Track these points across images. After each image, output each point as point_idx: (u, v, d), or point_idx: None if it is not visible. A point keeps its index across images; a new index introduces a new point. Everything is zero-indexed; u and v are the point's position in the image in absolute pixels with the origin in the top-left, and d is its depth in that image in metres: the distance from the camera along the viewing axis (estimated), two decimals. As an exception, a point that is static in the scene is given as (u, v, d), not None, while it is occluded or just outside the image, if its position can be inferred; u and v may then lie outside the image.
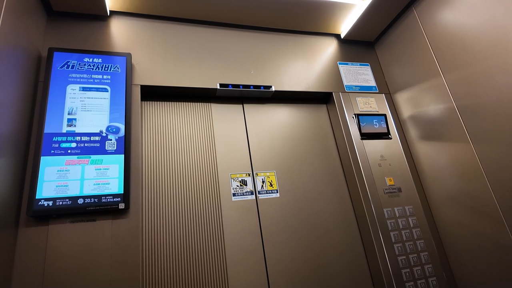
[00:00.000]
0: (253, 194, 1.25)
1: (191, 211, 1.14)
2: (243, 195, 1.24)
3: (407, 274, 1.16)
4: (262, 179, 1.29)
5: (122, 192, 0.99)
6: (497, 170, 1.05)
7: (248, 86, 1.34)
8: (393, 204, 1.28)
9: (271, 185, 1.29)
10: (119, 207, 0.97)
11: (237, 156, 1.30)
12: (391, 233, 1.22)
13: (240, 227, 1.18)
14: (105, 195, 0.97)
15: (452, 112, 1.21)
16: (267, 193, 1.27)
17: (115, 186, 0.99)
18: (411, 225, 1.25)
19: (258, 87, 1.36)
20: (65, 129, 1.02)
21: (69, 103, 1.06)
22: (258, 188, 1.27)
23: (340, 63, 1.56)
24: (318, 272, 1.18)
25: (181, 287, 1.03)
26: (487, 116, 1.08)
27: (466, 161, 1.16)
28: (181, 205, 1.14)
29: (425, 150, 1.35)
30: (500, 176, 1.04)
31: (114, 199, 0.97)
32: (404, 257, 1.19)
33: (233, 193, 1.23)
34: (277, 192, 1.28)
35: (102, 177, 0.99)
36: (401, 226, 1.24)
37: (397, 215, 1.26)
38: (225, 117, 1.36)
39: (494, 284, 1.07)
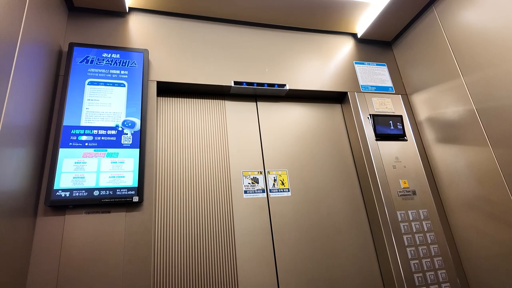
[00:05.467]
0: (264, 192, 1.25)
1: (203, 207, 1.15)
2: (255, 192, 1.24)
3: (420, 278, 1.14)
4: (274, 177, 1.29)
5: (137, 186, 1.01)
6: (517, 176, 1.02)
7: (262, 84, 1.34)
8: (407, 207, 1.25)
9: (282, 183, 1.29)
10: (133, 200, 0.98)
11: (250, 153, 1.30)
12: (404, 237, 1.19)
13: (251, 224, 1.18)
14: (120, 188, 0.99)
15: (471, 114, 1.18)
16: (278, 191, 1.27)
17: (129, 179, 1.01)
18: (425, 229, 1.23)
19: (272, 85, 1.36)
20: (83, 122, 1.04)
21: (87, 97, 1.08)
22: (270, 186, 1.27)
23: (356, 63, 1.54)
24: (328, 273, 1.17)
25: (191, 282, 1.04)
26: (507, 119, 1.05)
27: (485, 165, 1.12)
28: (193, 200, 1.15)
29: (441, 153, 1.32)
30: (521, 181, 1.01)
31: (129, 192, 0.99)
32: (417, 261, 1.16)
33: (244, 190, 1.23)
34: (289, 191, 1.28)
35: (117, 170, 1.01)
36: (414, 230, 1.22)
37: (411, 218, 1.23)
38: (238, 115, 1.36)
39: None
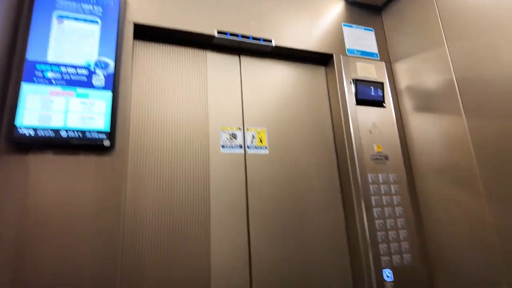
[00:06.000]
0: (242, 148, 1.24)
1: (179, 159, 1.13)
2: (232, 148, 1.23)
3: (382, 236, 1.21)
4: (253, 134, 1.28)
5: (108, 130, 0.96)
6: (485, 144, 1.07)
7: (247, 37, 1.28)
8: (378, 171, 1.30)
9: (261, 141, 1.29)
10: (104, 144, 0.94)
11: (229, 109, 1.27)
12: (372, 198, 1.25)
13: (227, 178, 1.18)
14: (90, 131, 0.94)
15: (450, 84, 1.20)
16: (256, 148, 1.27)
17: (101, 122, 0.96)
18: (393, 192, 1.28)
19: (258, 39, 1.30)
20: (50, 57, 0.96)
21: (55, 31, 0.99)
22: (248, 143, 1.26)
23: (344, 25, 1.50)
24: (298, 227, 1.22)
25: (163, 233, 1.04)
26: (483, 90, 1.07)
27: (457, 134, 1.16)
28: (170, 151, 1.13)
29: (417, 121, 1.35)
30: (487, 150, 1.06)
31: (99, 136, 0.94)
32: (382, 221, 1.23)
33: (222, 145, 1.21)
34: (266, 149, 1.28)
35: (87, 112, 0.95)
36: (383, 192, 1.27)
37: (381, 181, 1.28)
38: (220, 68, 1.31)
39: (464, 249, 1.12)
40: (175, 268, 1.02)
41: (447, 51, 1.22)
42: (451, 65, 1.20)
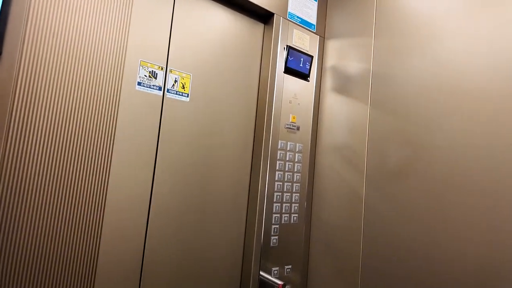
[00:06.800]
0: (161, 90, 1.17)
1: (83, 84, 0.99)
2: (150, 88, 1.14)
3: (278, 197, 1.35)
4: (175, 78, 1.20)
5: (-9, 34, 0.77)
6: (376, 134, 1.24)
7: (187, -33, 1.14)
8: (288, 139, 1.40)
9: (183, 87, 1.22)
10: (-17, 50, 0.76)
11: (154, 44, 1.15)
12: (278, 162, 1.35)
13: (137, 119, 1.10)
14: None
15: (366, 73, 1.32)
16: (176, 94, 1.20)
17: (-20, 21, 0.76)
18: (296, 159, 1.42)
19: (199, -27, 1.17)
20: None
21: None
22: (169, 86, 1.19)
23: (292, -14, 1.46)
24: (205, 176, 1.25)
25: (50, 160, 0.94)
26: (391, 87, 1.22)
27: (358, 119, 1.32)
28: (73, 76, 0.98)
29: (332, 101, 1.47)
30: (376, 139, 1.24)
31: (-23, 38, 0.75)
32: (281, 183, 1.36)
33: (138, 82, 1.11)
34: (188, 97, 1.23)
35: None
36: (287, 158, 1.39)
37: (288, 148, 1.39)
38: (150, -6, 1.15)
39: (338, 215, 1.34)
40: (65, 203, 0.95)
41: (373, 42, 1.32)
42: (372, 56, 1.31)
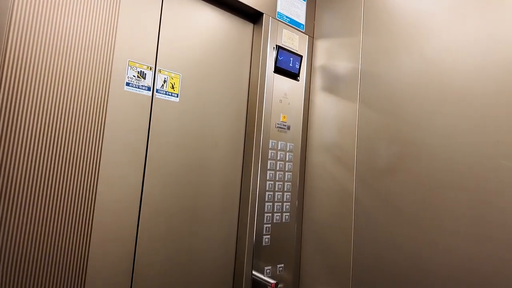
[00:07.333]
0: (150, 91, 1.15)
1: (71, 86, 0.98)
2: (139, 88, 1.13)
3: (269, 196, 1.35)
4: (165, 78, 1.19)
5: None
6: (365, 132, 1.26)
7: (176, -34, 1.13)
8: (279, 138, 1.40)
9: (172, 87, 1.21)
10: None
11: (142, 44, 1.14)
12: (269, 161, 1.36)
13: (126, 120, 1.09)
14: None
15: (355, 72, 1.34)
16: (166, 94, 1.19)
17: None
18: (287, 159, 1.42)
19: (188, -28, 1.16)
20: None
21: None
22: (158, 86, 1.17)
23: (280, -14, 1.47)
24: (196, 176, 1.25)
25: (40, 156, 0.92)
26: (379, 85, 1.24)
27: (348, 118, 1.33)
28: (60, 75, 0.96)
29: (321, 100, 1.48)
30: (365, 137, 1.25)
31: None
32: (272, 182, 1.36)
33: (127, 82, 1.10)
34: (177, 97, 1.22)
35: None
36: (278, 158, 1.39)
37: (279, 148, 1.40)
38: (138, -7, 1.13)
39: (328, 213, 1.35)
40: (54, 204, 0.94)
41: (361, 41, 1.33)
42: (360, 56, 1.33)
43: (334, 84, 1.43)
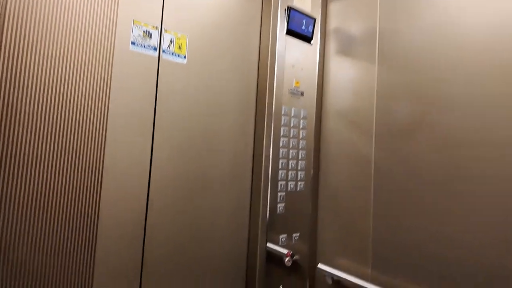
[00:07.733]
0: (156, 51, 1.10)
1: (75, 45, 0.93)
2: (144, 47, 1.07)
3: (283, 163, 1.29)
4: (171, 38, 1.13)
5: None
6: (385, 93, 1.18)
7: None
8: (292, 104, 1.34)
9: (179, 48, 1.15)
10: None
11: (147, 3, 1.08)
12: (282, 128, 1.29)
13: (132, 83, 1.04)
14: None
15: (372, 32, 1.25)
16: (173, 55, 1.13)
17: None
18: (301, 126, 1.35)
19: None
20: None
21: None
22: (164, 46, 1.11)
23: None
24: (205, 143, 1.19)
25: (46, 123, 0.88)
26: (400, 42, 1.16)
27: (365, 80, 1.26)
28: (64, 32, 0.91)
29: (336, 64, 1.40)
30: (385, 98, 1.18)
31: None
32: (286, 149, 1.30)
33: (132, 41, 1.04)
34: (185, 58, 1.16)
35: None
36: (292, 125, 1.33)
37: (292, 114, 1.33)
38: None
39: (346, 179, 1.29)
40: (61, 169, 0.90)
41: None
42: (378, 14, 1.24)
43: (350, 47, 1.35)
